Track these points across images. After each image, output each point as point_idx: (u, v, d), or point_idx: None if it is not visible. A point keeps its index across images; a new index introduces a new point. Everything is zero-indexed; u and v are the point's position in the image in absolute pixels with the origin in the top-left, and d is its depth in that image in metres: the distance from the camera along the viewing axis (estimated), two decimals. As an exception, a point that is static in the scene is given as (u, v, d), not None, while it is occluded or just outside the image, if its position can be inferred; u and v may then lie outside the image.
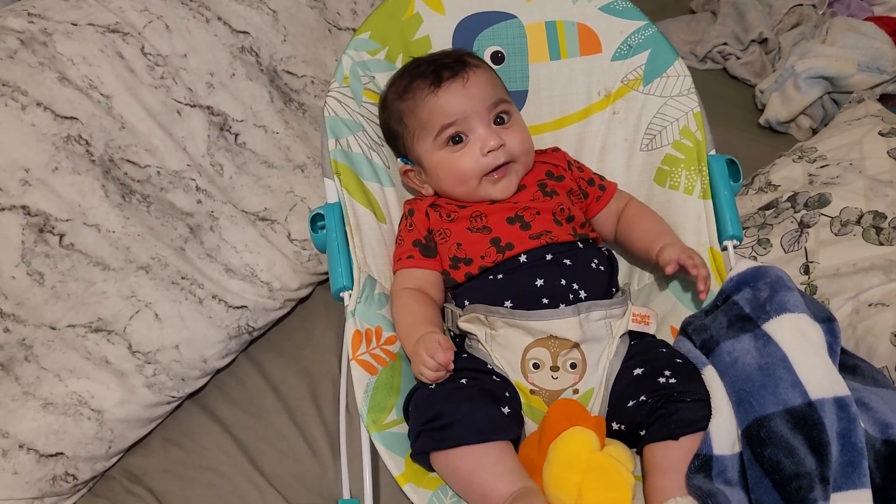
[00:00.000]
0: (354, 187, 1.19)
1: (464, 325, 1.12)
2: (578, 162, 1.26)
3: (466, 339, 1.13)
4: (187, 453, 1.30)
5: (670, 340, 1.14)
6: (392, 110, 1.20)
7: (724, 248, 1.16)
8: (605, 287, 1.12)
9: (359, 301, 1.12)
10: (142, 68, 1.40)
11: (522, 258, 1.12)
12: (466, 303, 1.13)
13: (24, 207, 1.25)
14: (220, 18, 1.50)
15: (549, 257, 1.11)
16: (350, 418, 1.22)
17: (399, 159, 1.24)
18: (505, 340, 1.08)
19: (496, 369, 1.08)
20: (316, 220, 1.17)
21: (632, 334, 1.10)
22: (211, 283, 1.37)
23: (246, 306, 1.39)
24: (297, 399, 1.36)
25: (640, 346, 1.09)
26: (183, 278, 1.35)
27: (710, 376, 0.99)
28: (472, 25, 1.30)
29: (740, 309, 1.02)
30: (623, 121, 1.28)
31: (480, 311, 1.10)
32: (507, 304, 1.09)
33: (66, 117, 1.31)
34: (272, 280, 1.43)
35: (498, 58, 1.31)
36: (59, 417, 1.21)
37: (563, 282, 1.09)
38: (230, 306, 1.38)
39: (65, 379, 1.24)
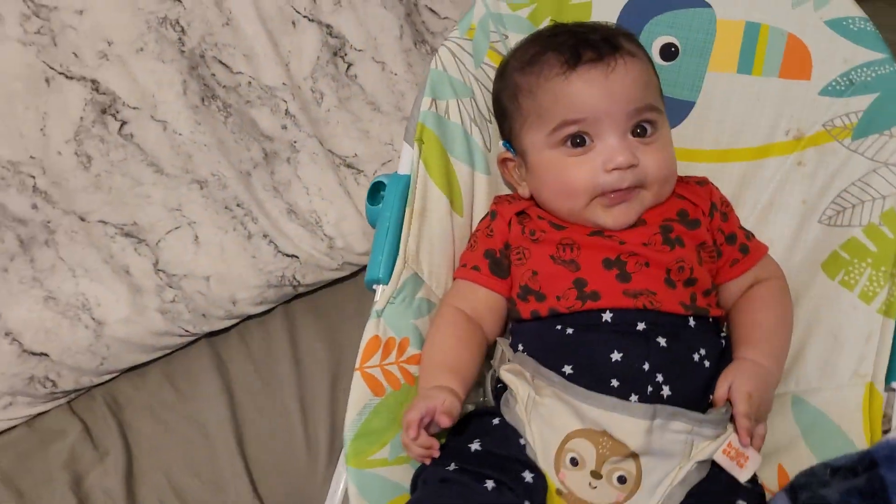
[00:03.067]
0: (436, 163, 0.95)
1: (505, 377, 0.87)
2: (727, 205, 0.95)
3: (505, 395, 0.88)
4: (180, 398, 1.15)
5: (774, 483, 0.84)
6: (509, 81, 0.94)
7: (890, 389, 0.82)
8: (700, 390, 0.83)
9: (391, 301, 0.90)
10: (270, -35, 1.23)
11: (606, 316, 0.84)
12: (521, 348, 0.88)
13: (93, 82, 1.12)
14: (373, -71, 1.29)
15: (640, 327, 0.83)
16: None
17: (501, 143, 0.98)
18: (548, 415, 0.82)
19: (527, 452, 0.82)
20: (378, 190, 0.95)
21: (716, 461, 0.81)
22: (267, 220, 1.20)
23: (297, 256, 1.21)
24: (316, 378, 1.17)
25: (714, 485, 0.79)
26: (238, 206, 1.19)
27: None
28: (650, 4, 1.01)
29: (885, 491, 0.70)
30: (809, 177, 0.95)
31: (529, 366, 0.85)
32: (567, 369, 0.83)
33: (169, -3, 1.17)
34: (337, 236, 1.23)
35: (670, 52, 1.01)
36: (55, 316, 1.09)
37: (647, 367, 0.81)
38: (280, 251, 1.20)
39: (78, 276, 1.11)
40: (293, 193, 1.23)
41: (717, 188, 0.95)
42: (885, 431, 0.80)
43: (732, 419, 0.82)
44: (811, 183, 0.94)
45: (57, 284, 1.11)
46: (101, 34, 1.13)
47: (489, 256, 0.93)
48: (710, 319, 0.88)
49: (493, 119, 1.01)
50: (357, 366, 0.87)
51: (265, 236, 1.20)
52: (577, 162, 0.88)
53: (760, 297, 0.89)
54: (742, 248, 0.91)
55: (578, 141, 0.88)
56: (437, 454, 0.79)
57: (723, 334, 0.90)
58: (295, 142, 1.24)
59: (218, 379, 1.17)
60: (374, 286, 0.91)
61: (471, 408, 0.91)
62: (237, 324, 1.24)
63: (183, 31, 1.17)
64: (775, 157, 0.97)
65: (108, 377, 1.16)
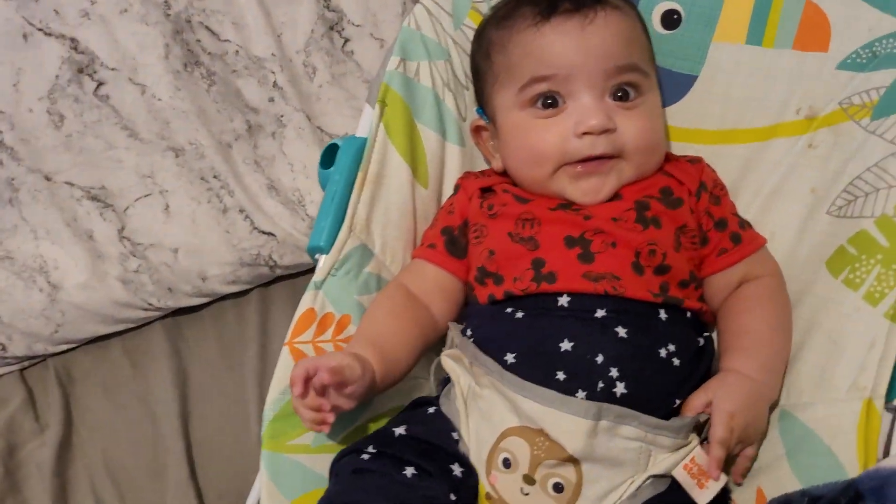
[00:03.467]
0: (399, 127, 0.87)
1: (445, 363, 0.77)
2: (722, 188, 0.83)
3: (448, 385, 0.78)
4: (135, 375, 1.09)
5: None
6: (483, 38, 0.86)
7: (891, 409, 0.68)
8: (665, 392, 0.71)
9: (333, 272, 0.82)
10: (268, -69, 1.18)
11: (563, 300, 0.74)
12: (469, 332, 0.78)
13: (72, 40, 1.09)
14: None
15: (600, 314, 0.72)
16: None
17: (475, 109, 0.89)
18: (487, 408, 0.72)
19: (461, 448, 0.72)
20: (334, 153, 0.87)
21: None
22: (245, 194, 1.13)
23: (275, 235, 1.14)
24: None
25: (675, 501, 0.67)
26: (215, 177, 1.13)
27: None
28: (652, -34, 0.91)
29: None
30: (821, 161, 0.82)
31: (468, 352, 0.75)
32: (509, 357, 0.72)
33: (158, -43, 1.13)
34: (318, 217, 1.15)
35: (671, 20, 0.90)
36: (9, 276, 1.05)
37: (600, 359, 0.70)
38: (256, 228, 1.13)
39: (40, 238, 1.07)
40: (276, 169, 1.17)
41: (712, 169, 0.84)
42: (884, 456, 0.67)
43: (699, 429, 0.70)
44: (823, 168, 0.81)
45: (17, 245, 1.07)
46: (86, -9, 1.10)
47: (446, 233, 0.84)
48: (688, 313, 0.76)
49: (470, 86, 0.92)
50: (286, 340, 0.79)
51: (241, 211, 1.13)
52: (545, 124, 0.78)
53: (751, 296, 0.77)
54: (733, 236, 0.79)
55: (550, 101, 0.78)
56: (330, 419, 0.69)
57: (705, 333, 0.77)
58: (282, 116, 1.17)
59: (177, 360, 1.10)
60: (317, 256, 0.83)
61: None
62: (210, 303, 1.17)
63: (170, -7, 1.13)
64: (784, 138, 0.84)
65: (64, 347, 1.11)
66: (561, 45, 0.77)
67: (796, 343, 0.76)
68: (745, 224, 0.81)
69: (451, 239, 0.83)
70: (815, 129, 0.83)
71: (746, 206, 0.85)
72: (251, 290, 1.19)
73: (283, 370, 0.78)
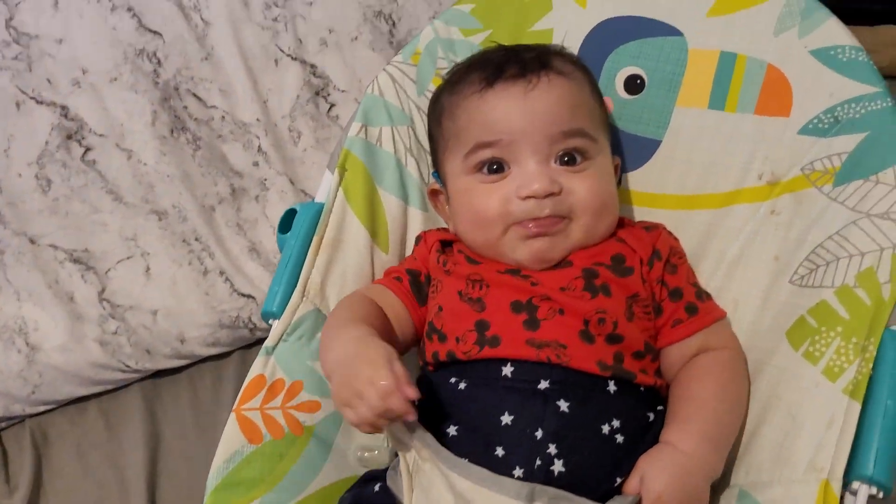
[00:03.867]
0: (359, 192, 0.88)
1: (391, 434, 0.75)
2: (680, 256, 0.81)
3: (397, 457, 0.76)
4: (109, 438, 1.09)
5: None
6: (437, 104, 0.86)
7: (852, 492, 0.64)
8: (606, 470, 0.68)
9: (284, 338, 0.81)
10: (258, 4, 1.22)
11: (506, 370, 0.72)
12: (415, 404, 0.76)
13: (63, 108, 1.13)
14: (370, -28, 1.27)
15: (542, 386, 0.70)
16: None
17: (432, 173, 0.89)
18: (427, 484, 0.70)
19: None
20: (291, 218, 0.88)
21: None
22: (226, 257, 1.14)
23: (254, 298, 1.14)
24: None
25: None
26: (196, 240, 1.14)
27: None
28: (616, 32, 0.91)
29: None
30: (783, 227, 0.79)
31: (409, 424, 0.73)
32: (451, 430, 0.71)
33: (150, 30, 1.18)
34: (299, 280, 1.16)
35: (635, 85, 0.90)
36: (-10, 337, 1.07)
37: (539, 434, 0.67)
38: (236, 291, 1.14)
39: (23, 300, 1.09)
40: (258, 232, 1.18)
41: (670, 235, 0.82)
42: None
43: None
44: (785, 236, 0.79)
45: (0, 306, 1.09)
46: (78, 63, 1.14)
47: (411, 274, 0.83)
48: (642, 388, 0.73)
49: (433, 152, 0.92)
50: (234, 406, 0.78)
51: (221, 273, 1.14)
52: (489, 189, 0.78)
53: (701, 366, 0.74)
54: (689, 307, 0.76)
55: (495, 167, 0.78)
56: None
57: (658, 407, 0.74)
58: (265, 179, 1.19)
59: (152, 422, 1.10)
60: (270, 321, 0.83)
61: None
62: (190, 365, 1.18)
63: (159, 62, 1.17)
64: (746, 203, 0.82)
65: (42, 408, 1.11)
66: (504, 110, 0.77)
67: (756, 417, 0.73)
68: (703, 295, 0.78)
69: (415, 281, 0.82)
70: (778, 194, 0.80)
71: (710, 273, 0.83)
72: (233, 352, 1.19)
73: (229, 438, 0.76)
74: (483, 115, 0.78)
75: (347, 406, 0.66)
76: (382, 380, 0.63)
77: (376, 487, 0.74)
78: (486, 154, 0.78)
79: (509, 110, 0.76)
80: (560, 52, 0.83)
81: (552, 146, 0.76)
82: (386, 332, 0.77)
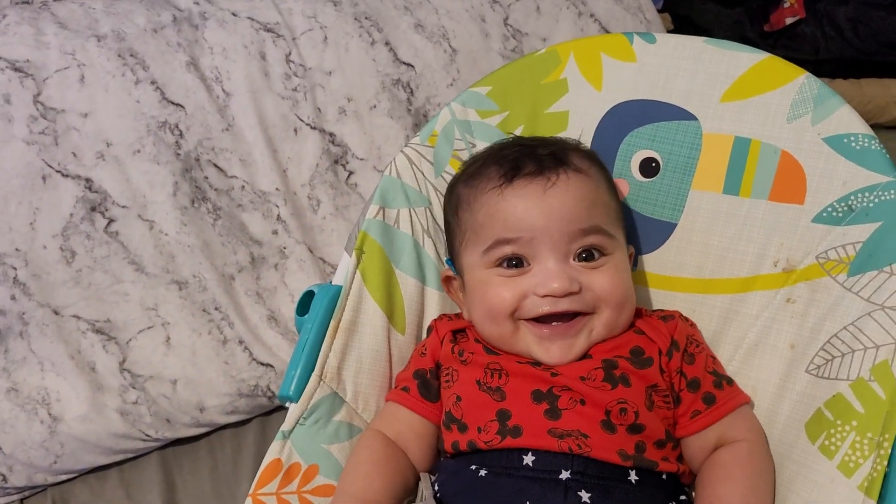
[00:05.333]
0: (376, 275, 0.89)
1: (411, 519, 0.76)
2: (698, 345, 0.81)
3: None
4: (129, 507, 1.09)
5: None
6: (453, 194, 0.88)
7: None
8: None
9: (301, 422, 0.82)
10: (278, 75, 1.25)
11: (528, 459, 0.72)
12: (436, 487, 0.77)
13: (87, 180, 1.16)
14: (387, 43, 1.30)
15: (563, 476, 0.70)
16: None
17: (445, 260, 0.90)
18: (446, 573, 0.70)
19: None
20: (309, 300, 0.89)
21: None
22: (244, 326, 1.16)
23: (273, 367, 1.16)
24: None
25: None
26: (216, 309, 1.16)
27: None
28: (631, 115, 0.92)
29: None
30: (799, 317, 0.80)
31: (430, 510, 0.73)
32: (470, 519, 0.71)
33: (173, 103, 1.20)
34: (316, 349, 1.17)
35: (650, 168, 0.91)
36: (13, 408, 1.08)
37: (560, 526, 0.67)
38: (255, 360, 1.15)
39: (46, 370, 1.11)
40: (277, 300, 1.20)
41: (687, 323, 0.82)
42: None
43: None
44: (801, 324, 0.79)
45: (23, 377, 1.10)
46: (102, 136, 1.17)
47: (418, 377, 0.84)
48: (664, 476, 0.73)
49: (449, 233, 0.94)
50: (250, 491, 0.79)
51: (241, 342, 1.16)
52: (506, 282, 0.78)
53: (723, 464, 0.74)
54: (706, 397, 0.77)
55: (514, 262, 0.79)
56: None
57: (682, 496, 0.74)
58: (284, 247, 1.21)
59: (170, 493, 1.11)
60: (287, 404, 0.84)
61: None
62: (209, 433, 1.19)
63: (181, 134, 1.19)
64: (762, 291, 0.83)
65: (64, 477, 1.12)
66: (523, 208, 0.78)
67: (774, 513, 0.73)
68: (723, 382, 0.78)
69: (423, 382, 0.83)
70: (794, 282, 0.81)
71: (728, 358, 0.83)
72: (252, 419, 1.20)
73: (246, 525, 0.77)
74: (503, 213, 0.79)
75: None
76: None
77: None
78: (506, 250, 0.79)
79: (529, 208, 0.78)
80: (576, 148, 0.84)
81: (571, 244, 0.77)
82: (401, 468, 0.79)
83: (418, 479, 0.82)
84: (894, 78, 1.77)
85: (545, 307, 0.76)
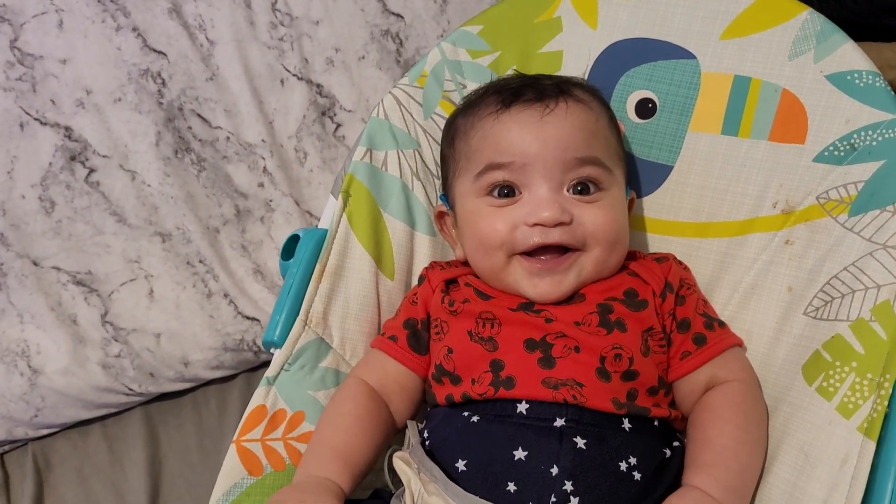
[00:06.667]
0: (363, 218, 0.86)
1: (398, 466, 0.73)
2: (689, 287, 0.78)
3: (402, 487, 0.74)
4: (112, 462, 1.07)
5: None
6: (451, 126, 0.85)
7: (869, 538, 0.62)
8: (625, 510, 0.66)
9: (286, 368, 0.80)
10: (264, 24, 1.21)
11: (521, 407, 0.70)
12: (426, 435, 0.75)
13: (67, 129, 1.12)
14: (377, -9, 1.26)
15: (558, 424, 0.68)
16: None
17: (439, 196, 0.88)
18: (433, 516, 0.68)
19: None
20: (294, 244, 0.86)
21: None
22: (230, 279, 1.13)
23: (259, 321, 1.13)
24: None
25: None
26: (201, 262, 1.13)
27: None
28: (627, 54, 0.89)
29: None
30: (797, 258, 0.77)
31: (416, 457, 0.71)
32: (460, 464, 0.69)
33: (155, 50, 1.17)
34: (304, 303, 1.14)
35: (646, 109, 0.88)
36: (-9, 360, 1.05)
37: (555, 471, 0.66)
38: (240, 313, 1.13)
39: (25, 322, 1.08)
40: (263, 253, 1.17)
41: (680, 266, 0.80)
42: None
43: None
44: (799, 266, 0.77)
45: (2, 329, 1.08)
46: (82, 83, 1.13)
47: (409, 327, 0.81)
48: (655, 422, 0.71)
49: (440, 176, 0.91)
50: (234, 437, 0.76)
51: (226, 296, 1.13)
52: (497, 212, 0.76)
53: (714, 406, 0.72)
54: (696, 338, 0.74)
55: (506, 192, 0.76)
56: None
57: (675, 443, 0.72)
58: (271, 200, 1.18)
59: (154, 448, 1.09)
60: (271, 350, 0.81)
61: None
62: (194, 388, 1.16)
63: (164, 83, 1.16)
64: (760, 233, 0.80)
65: (45, 432, 1.10)
66: (518, 133, 0.75)
67: (769, 453, 0.71)
68: (713, 324, 0.76)
69: (413, 333, 0.81)
70: (793, 224, 0.78)
71: (724, 303, 0.81)
72: (237, 374, 1.18)
73: (229, 470, 0.75)
74: (497, 137, 0.76)
75: None
76: None
77: None
78: (497, 176, 0.76)
79: (524, 133, 0.75)
80: (580, 83, 0.81)
81: (566, 173, 0.75)
82: (382, 420, 0.77)
83: (398, 431, 0.80)
84: (888, 41, 1.74)
85: (536, 237, 0.73)
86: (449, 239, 0.86)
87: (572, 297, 0.76)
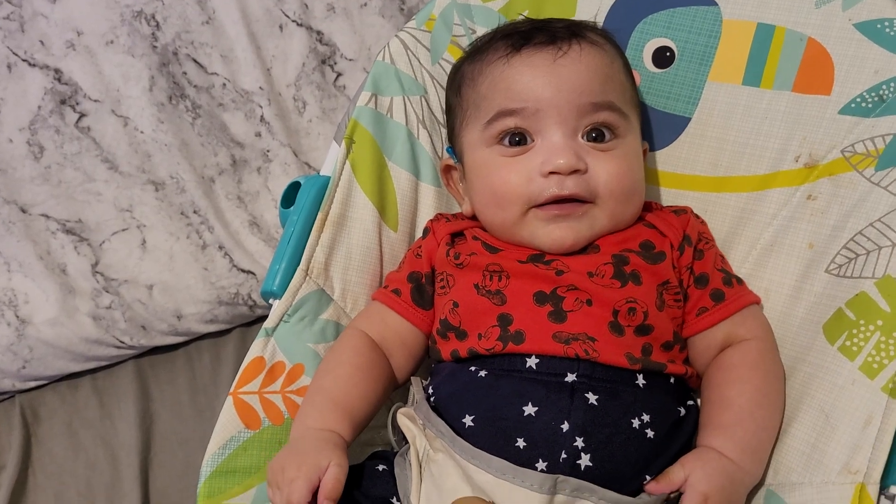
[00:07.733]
0: (367, 166, 0.83)
1: (401, 422, 0.71)
2: (707, 241, 0.76)
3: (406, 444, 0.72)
4: (102, 416, 1.05)
5: None
6: (457, 73, 0.81)
7: (889, 496, 0.60)
8: (635, 465, 0.64)
9: (285, 319, 0.76)
10: (262, -35, 1.16)
11: (531, 362, 0.67)
12: (430, 391, 0.72)
13: (56, 71, 1.08)
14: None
15: (569, 379, 0.65)
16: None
17: (446, 148, 0.84)
18: (439, 474, 0.66)
19: None
20: (295, 191, 0.83)
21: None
22: (225, 230, 1.10)
23: (254, 273, 1.10)
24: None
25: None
26: (195, 212, 1.09)
27: None
28: (645, 0, 0.85)
29: None
30: (819, 214, 0.74)
31: (422, 413, 0.69)
32: (468, 420, 0.66)
33: (149, -10, 1.11)
34: (301, 256, 1.11)
35: (664, 57, 0.84)
36: (-23, 310, 1.02)
37: (566, 427, 0.63)
38: (235, 266, 1.09)
39: (12, 271, 1.05)
40: (260, 205, 1.13)
41: (699, 220, 0.77)
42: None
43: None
44: (821, 222, 0.74)
45: (-12, 277, 1.04)
46: (72, 24, 1.08)
47: (413, 280, 0.78)
48: (671, 379, 0.69)
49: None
50: (231, 390, 0.74)
51: (221, 248, 1.10)
52: (510, 163, 0.72)
53: (734, 365, 0.69)
54: (714, 294, 0.72)
55: (517, 139, 0.73)
56: None
57: (689, 401, 0.70)
58: (268, 150, 1.14)
59: (146, 402, 1.06)
60: (270, 301, 0.78)
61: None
62: (187, 343, 1.13)
63: (158, 26, 1.11)
64: (781, 188, 0.77)
65: (33, 384, 1.07)
66: (530, 76, 0.71)
67: (787, 414, 0.69)
68: (731, 280, 0.73)
69: (417, 287, 0.77)
70: (816, 178, 0.75)
71: (741, 260, 0.78)
72: (232, 329, 1.15)
73: (225, 423, 0.72)
74: (507, 81, 0.72)
75: (270, 486, 0.65)
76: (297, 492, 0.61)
77: (380, 468, 0.70)
78: (508, 123, 0.72)
79: (536, 77, 0.71)
80: (593, 27, 0.78)
81: (580, 119, 0.71)
82: (382, 373, 0.74)
83: (397, 387, 0.78)
84: None
85: (553, 188, 0.70)
86: (455, 194, 0.83)
87: (586, 248, 0.73)
